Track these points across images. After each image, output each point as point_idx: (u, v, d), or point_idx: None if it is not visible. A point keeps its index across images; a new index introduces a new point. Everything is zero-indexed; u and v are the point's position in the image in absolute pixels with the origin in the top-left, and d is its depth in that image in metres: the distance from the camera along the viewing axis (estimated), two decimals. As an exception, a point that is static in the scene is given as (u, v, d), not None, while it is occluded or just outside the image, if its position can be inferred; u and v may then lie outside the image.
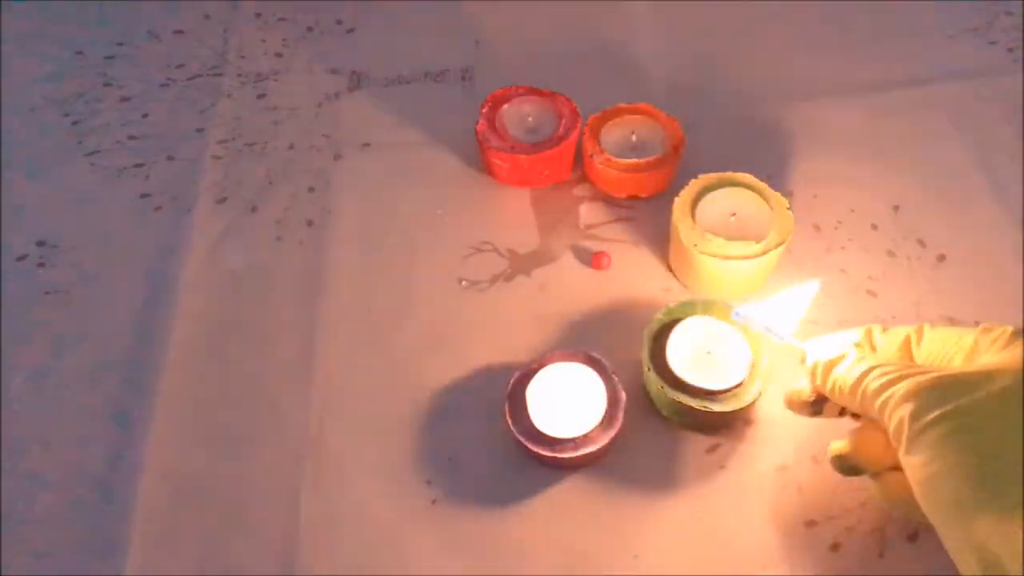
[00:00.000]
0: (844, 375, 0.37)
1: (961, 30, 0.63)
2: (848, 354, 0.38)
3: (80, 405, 0.48)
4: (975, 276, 0.51)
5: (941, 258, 0.52)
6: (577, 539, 0.43)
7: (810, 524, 0.42)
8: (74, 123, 0.61)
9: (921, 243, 0.52)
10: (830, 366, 0.38)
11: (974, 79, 0.60)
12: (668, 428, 0.46)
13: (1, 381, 0.49)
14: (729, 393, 0.43)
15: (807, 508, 0.43)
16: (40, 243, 0.55)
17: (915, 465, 0.32)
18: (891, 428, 0.34)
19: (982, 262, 0.51)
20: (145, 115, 0.61)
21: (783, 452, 0.45)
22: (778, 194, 0.48)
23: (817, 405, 0.40)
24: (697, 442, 0.45)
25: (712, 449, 0.45)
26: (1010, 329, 0.35)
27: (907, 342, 0.38)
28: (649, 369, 0.44)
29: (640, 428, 0.45)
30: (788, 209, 0.47)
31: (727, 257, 0.46)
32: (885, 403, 0.34)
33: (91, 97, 0.63)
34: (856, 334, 0.40)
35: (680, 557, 0.42)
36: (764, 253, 0.46)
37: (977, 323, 0.48)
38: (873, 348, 0.39)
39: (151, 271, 0.53)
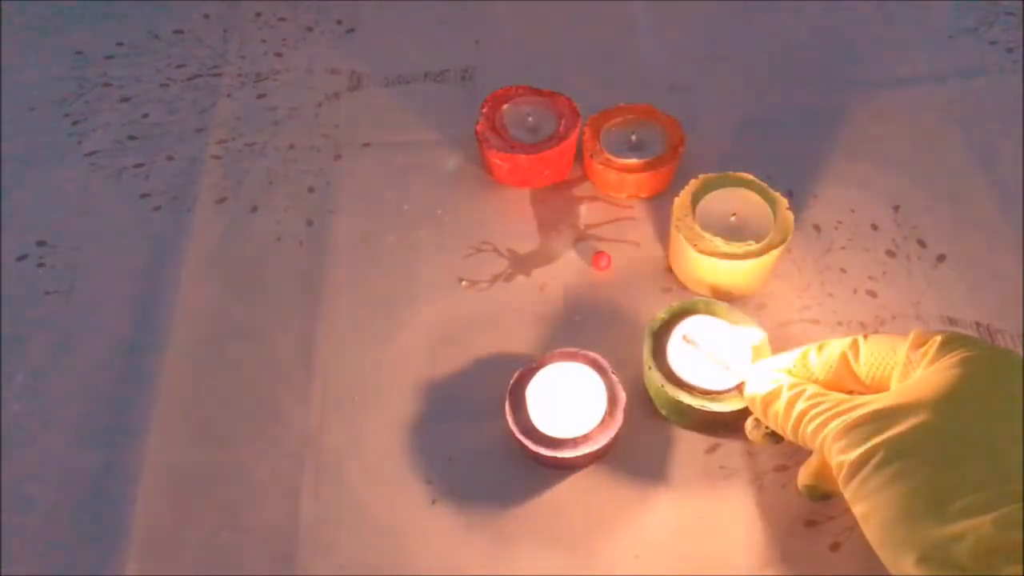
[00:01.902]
0: (782, 415, 0.38)
1: (961, 30, 0.63)
2: (782, 388, 0.38)
3: (80, 405, 0.48)
4: (975, 276, 0.51)
5: (941, 258, 0.52)
6: (577, 539, 0.43)
7: (810, 524, 0.42)
8: (74, 123, 0.61)
9: (921, 243, 0.52)
10: (766, 403, 0.39)
11: (974, 79, 0.60)
12: (668, 428, 0.46)
13: (1, 381, 0.49)
14: (729, 393, 0.43)
15: (807, 508, 0.43)
16: (40, 243, 0.55)
17: (851, 503, 0.33)
18: (833, 471, 0.35)
19: (982, 262, 0.51)
20: (145, 115, 0.61)
21: (783, 452, 0.45)
22: (778, 194, 0.48)
23: (776, 435, 0.41)
24: (697, 442, 0.45)
25: (712, 449, 0.45)
26: (938, 339, 0.35)
27: (845, 360, 0.38)
28: (650, 368, 0.44)
29: (640, 428, 0.45)
30: (788, 209, 0.47)
31: (727, 257, 0.46)
32: (822, 445, 0.35)
33: (91, 97, 0.63)
34: (792, 358, 0.40)
35: (680, 557, 0.42)
36: (764, 253, 0.46)
37: (977, 324, 0.48)
38: (810, 371, 0.39)
39: (151, 271, 0.53)
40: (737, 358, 0.43)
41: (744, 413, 0.43)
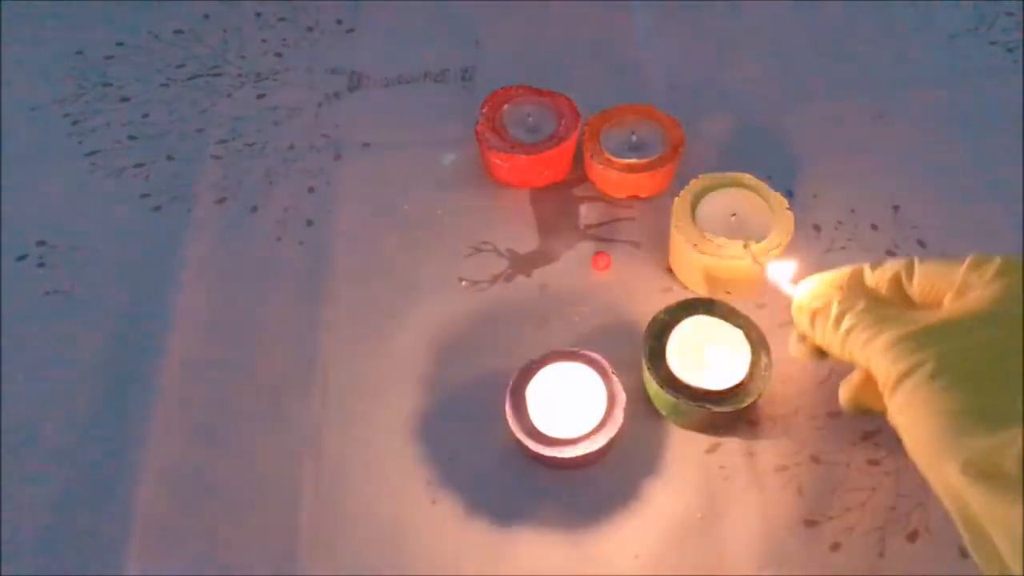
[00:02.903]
0: (830, 329, 0.38)
1: (961, 30, 0.63)
2: (833, 303, 0.38)
3: (80, 404, 0.48)
4: (975, 276, 0.51)
5: (941, 258, 0.52)
6: (577, 539, 0.43)
7: (810, 524, 0.42)
8: (74, 123, 0.61)
9: (921, 243, 0.52)
10: (814, 316, 0.39)
11: (974, 79, 0.60)
12: (668, 428, 0.46)
13: (1, 381, 0.49)
14: (729, 393, 0.43)
15: (807, 508, 0.43)
16: (40, 243, 0.55)
17: (893, 414, 0.34)
18: (879, 381, 0.35)
19: (982, 262, 0.51)
20: (145, 115, 0.61)
21: (783, 452, 0.45)
22: (778, 194, 0.48)
23: (821, 351, 0.40)
24: (697, 442, 0.45)
25: (712, 449, 0.45)
26: (998, 260, 0.35)
27: (898, 280, 0.38)
28: (649, 369, 0.44)
29: (640, 428, 0.45)
30: (788, 209, 0.47)
31: (727, 257, 0.46)
32: (870, 356, 0.35)
33: (91, 97, 0.63)
34: (844, 274, 0.40)
35: (680, 557, 0.42)
36: (764, 253, 0.46)
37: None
38: (862, 289, 0.39)
39: (151, 271, 0.53)
40: (787, 272, 0.42)
41: (743, 413, 0.43)
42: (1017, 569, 0.29)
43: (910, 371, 0.33)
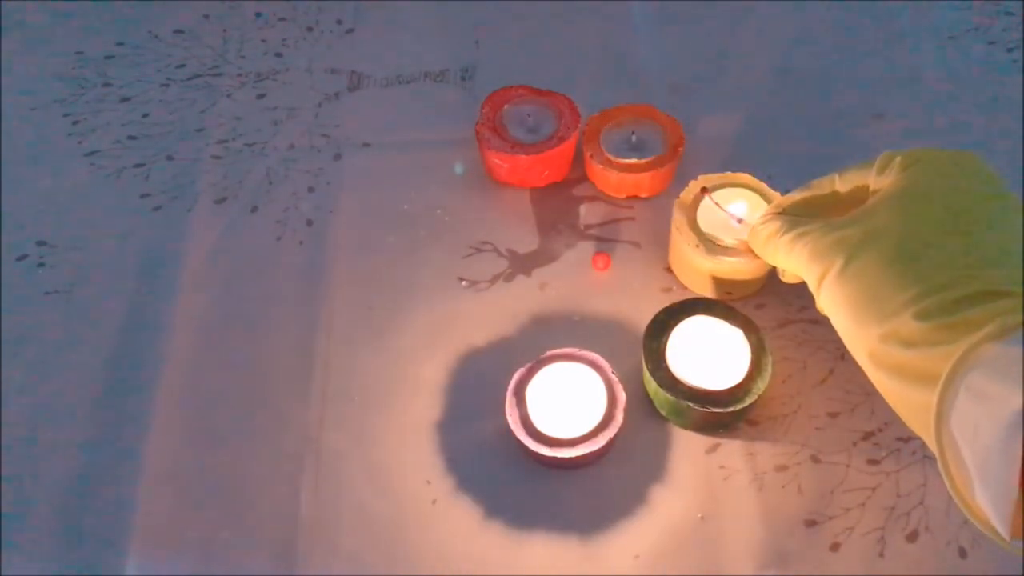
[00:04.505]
0: (769, 248, 0.41)
1: (961, 30, 0.63)
2: (765, 226, 0.42)
3: (80, 405, 0.48)
4: (975, 276, 0.51)
5: (941, 258, 0.52)
6: (577, 539, 0.43)
7: (810, 524, 0.42)
8: (74, 123, 0.61)
9: (921, 243, 0.52)
10: (760, 241, 0.42)
11: (974, 79, 0.60)
12: (668, 428, 0.46)
13: (1, 381, 0.49)
14: (729, 393, 0.43)
15: (807, 508, 0.43)
16: (40, 243, 0.55)
17: (824, 306, 0.38)
18: (811, 289, 0.38)
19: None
20: (145, 115, 0.61)
21: (783, 452, 0.45)
22: (778, 194, 0.48)
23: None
24: (697, 442, 0.45)
25: (712, 449, 0.45)
26: (898, 159, 0.37)
27: (829, 195, 0.42)
28: (649, 369, 0.44)
29: (640, 428, 0.45)
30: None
31: (727, 257, 0.46)
32: (800, 269, 0.39)
33: (91, 97, 0.63)
34: (786, 199, 0.43)
35: (680, 557, 0.42)
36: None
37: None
38: (794, 207, 0.42)
39: (151, 271, 0.53)
40: (750, 215, 0.46)
41: (743, 413, 0.43)
42: (930, 444, 0.31)
43: (824, 274, 0.36)
